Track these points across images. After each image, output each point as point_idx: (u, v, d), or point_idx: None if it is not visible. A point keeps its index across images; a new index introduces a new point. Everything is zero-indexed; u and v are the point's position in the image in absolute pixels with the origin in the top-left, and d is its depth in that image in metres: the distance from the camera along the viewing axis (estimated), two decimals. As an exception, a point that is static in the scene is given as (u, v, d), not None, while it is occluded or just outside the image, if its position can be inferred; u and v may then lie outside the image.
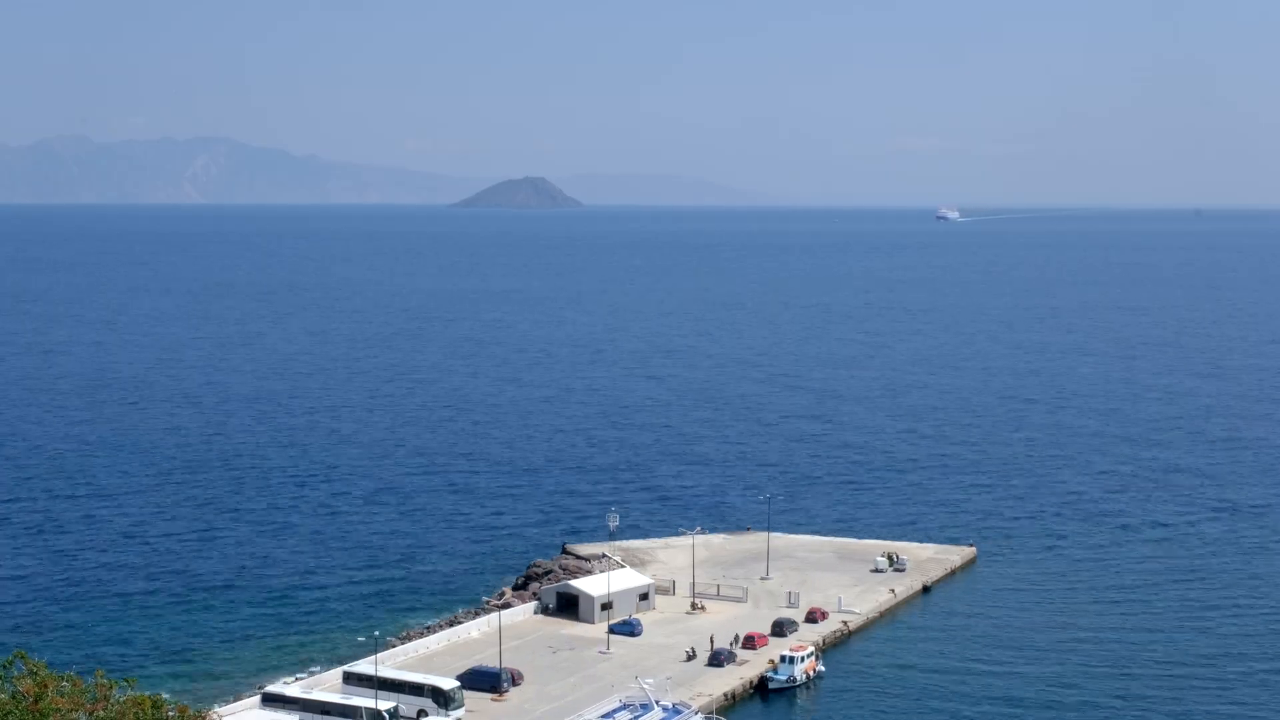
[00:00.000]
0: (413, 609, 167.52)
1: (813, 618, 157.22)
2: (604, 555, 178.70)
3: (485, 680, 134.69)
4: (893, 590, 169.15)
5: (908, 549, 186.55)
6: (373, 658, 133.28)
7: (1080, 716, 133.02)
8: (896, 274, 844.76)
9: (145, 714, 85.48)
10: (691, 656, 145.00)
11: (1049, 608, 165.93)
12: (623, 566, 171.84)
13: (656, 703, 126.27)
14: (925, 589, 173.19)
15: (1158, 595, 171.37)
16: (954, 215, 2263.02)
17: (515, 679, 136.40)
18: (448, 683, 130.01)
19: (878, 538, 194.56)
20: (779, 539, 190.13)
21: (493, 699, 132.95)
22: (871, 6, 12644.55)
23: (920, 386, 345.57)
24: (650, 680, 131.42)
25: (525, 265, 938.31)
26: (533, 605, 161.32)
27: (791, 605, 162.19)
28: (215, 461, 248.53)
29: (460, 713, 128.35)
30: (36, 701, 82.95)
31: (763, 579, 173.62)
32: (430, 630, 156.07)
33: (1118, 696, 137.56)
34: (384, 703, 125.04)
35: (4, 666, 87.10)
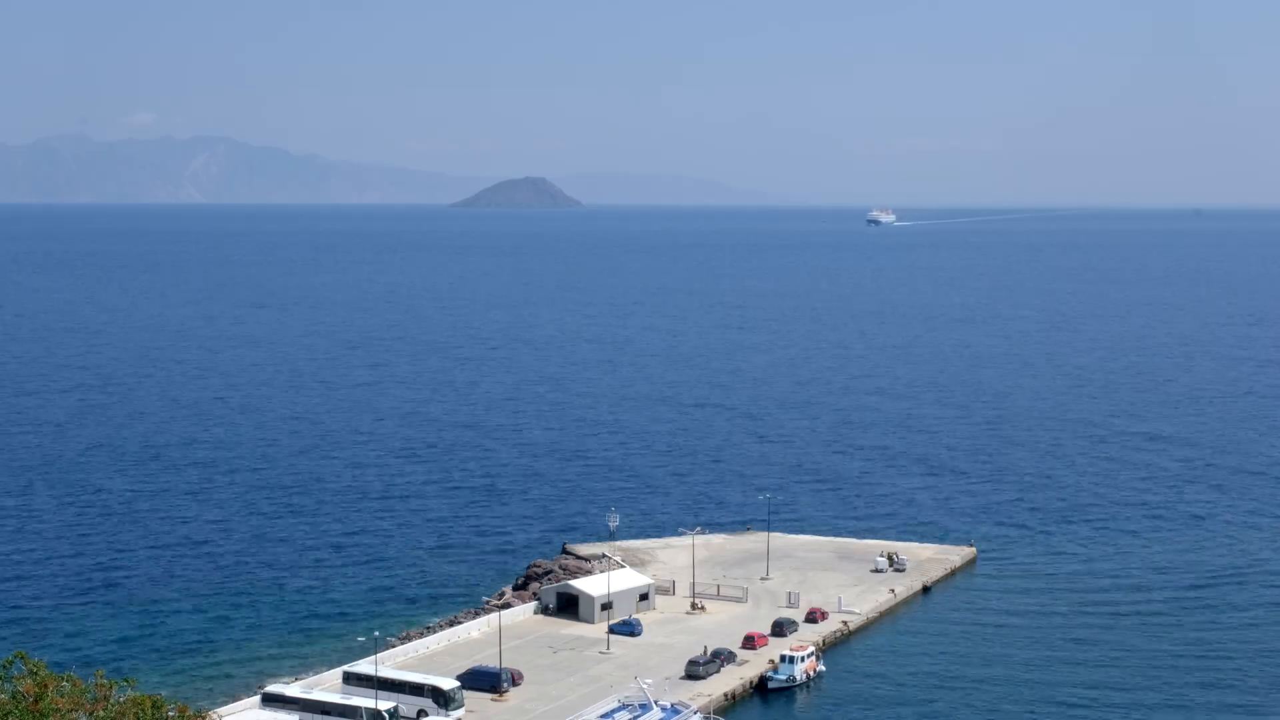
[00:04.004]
0: (413, 609, 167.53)
1: (813, 618, 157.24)
2: (604, 555, 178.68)
3: (485, 680, 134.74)
4: (893, 590, 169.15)
5: (908, 549, 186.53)
6: (373, 658, 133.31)
7: (1080, 716, 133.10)
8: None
9: (145, 714, 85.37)
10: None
11: (1049, 608, 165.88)
12: (623, 566, 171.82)
13: (655, 703, 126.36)
14: (925, 589, 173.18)
15: (1158, 596, 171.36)
16: (888, 218, 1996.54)
17: (515, 679, 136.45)
18: (448, 683, 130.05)
19: (878, 538, 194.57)
20: (779, 539, 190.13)
21: (493, 699, 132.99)
22: (872, 8, 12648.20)
23: (920, 386, 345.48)
24: (650, 680, 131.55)
25: (528, 263, 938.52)
26: (533, 605, 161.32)
27: (791, 605, 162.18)
28: (215, 462, 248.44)
29: (460, 713, 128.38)
30: (36, 701, 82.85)
31: (763, 579, 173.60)
32: (430, 630, 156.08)
33: (1118, 697, 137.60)
34: (384, 703, 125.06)
35: (4, 666, 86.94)
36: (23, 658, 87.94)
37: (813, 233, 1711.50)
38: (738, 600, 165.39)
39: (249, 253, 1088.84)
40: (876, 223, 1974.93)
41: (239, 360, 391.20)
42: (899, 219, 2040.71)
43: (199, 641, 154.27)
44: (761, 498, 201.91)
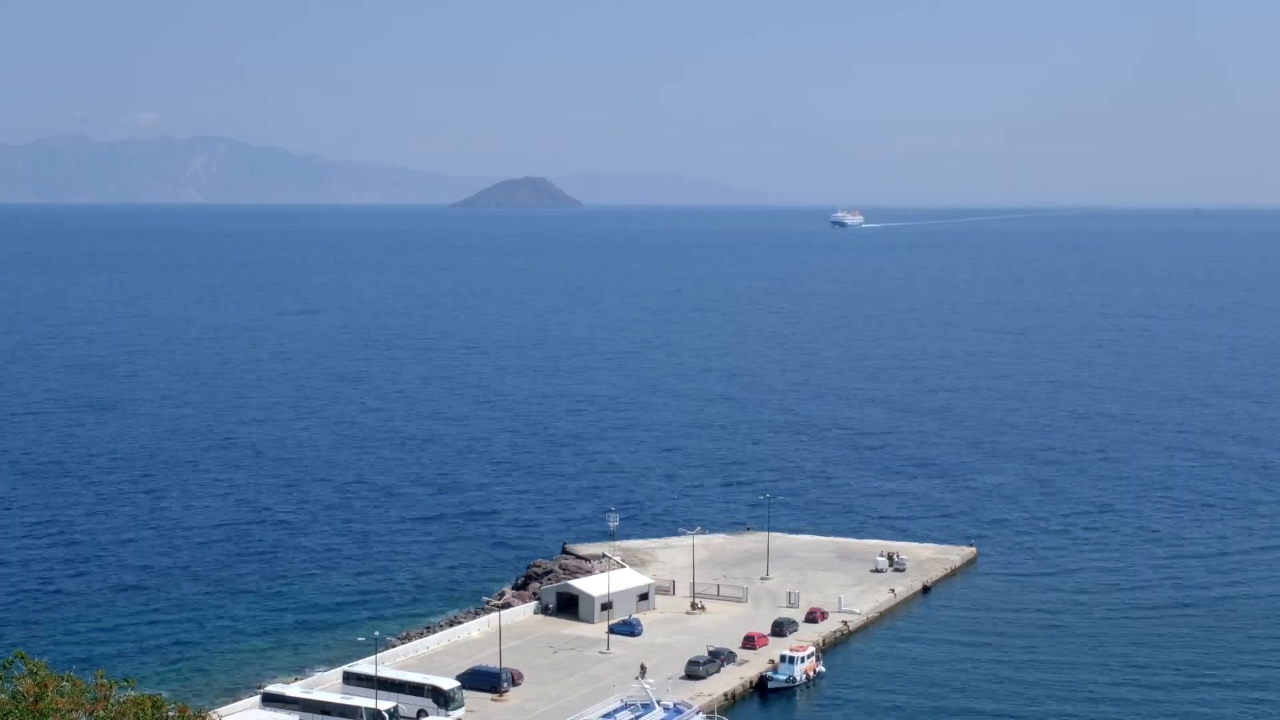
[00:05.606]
0: (413, 609, 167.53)
1: (813, 618, 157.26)
2: (604, 555, 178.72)
3: (485, 680, 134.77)
4: (893, 590, 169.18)
5: (908, 549, 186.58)
6: (373, 658, 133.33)
7: (1080, 715, 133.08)
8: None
9: (145, 714, 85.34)
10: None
11: (1049, 608, 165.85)
12: (623, 566, 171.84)
13: (658, 702, 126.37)
14: (925, 589, 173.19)
15: (1158, 596, 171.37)
16: (854, 220, 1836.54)
17: (515, 679, 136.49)
18: (448, 683, 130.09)
19: (878, 538, 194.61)
20: (779, 539, 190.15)
21: (493, 699, 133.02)
22: (872, 8, 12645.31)
23: (920, 386, 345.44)
24: (651, 680, 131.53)
25: (529, 264, 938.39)
26: (533, 605, 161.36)
27: (791, 605, 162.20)
28: (215, 461, 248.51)
29: (460, 713, 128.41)
30: (36, 701, 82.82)
31: (763, 579, 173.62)
32: (430, 630, 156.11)
33: (1117, 698, 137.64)
34: (384, 703, 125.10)
35: (4, 666, 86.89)
36: (23, 658, 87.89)
37: (812, 233, 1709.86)
38: (738, 600, 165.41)
39: (250, 253, 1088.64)
40: (842, 224, 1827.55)
41: (241, 361, 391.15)
42: (866, 220, 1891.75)
43: (199, 641, 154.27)
44: (761, 498, 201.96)
